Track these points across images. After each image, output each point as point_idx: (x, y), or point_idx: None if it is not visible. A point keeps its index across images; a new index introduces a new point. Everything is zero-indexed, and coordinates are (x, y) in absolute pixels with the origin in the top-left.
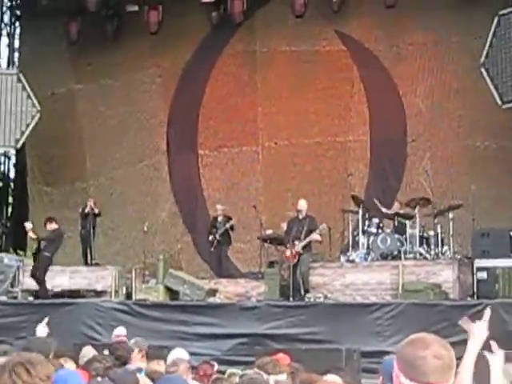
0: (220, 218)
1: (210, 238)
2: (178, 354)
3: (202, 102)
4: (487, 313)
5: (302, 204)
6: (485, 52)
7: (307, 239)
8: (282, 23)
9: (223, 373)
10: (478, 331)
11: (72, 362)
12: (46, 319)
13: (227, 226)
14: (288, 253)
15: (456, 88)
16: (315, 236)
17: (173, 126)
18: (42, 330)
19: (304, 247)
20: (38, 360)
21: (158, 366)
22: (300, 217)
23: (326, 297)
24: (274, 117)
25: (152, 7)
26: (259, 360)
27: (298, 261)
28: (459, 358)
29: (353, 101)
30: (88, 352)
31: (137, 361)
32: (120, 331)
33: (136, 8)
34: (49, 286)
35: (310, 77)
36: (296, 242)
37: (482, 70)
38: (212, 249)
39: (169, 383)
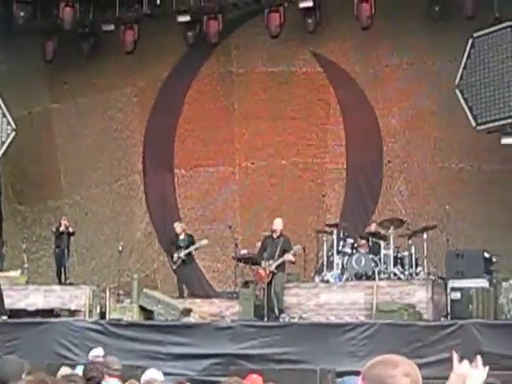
0: (182, 236)
1: (175, 256)
2: (152, 374)
3: (179, 122)
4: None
5: (277, 223)
6: (459, 74)
7: (280, 259)
8: (258, 44)
9: None
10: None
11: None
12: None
13: (193, 247)
14: (261, 272)
15: (432, 110)
16: (289, 257)
17: (149, 146)
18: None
19: (277, 267)
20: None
21: None
22: (274, 236)
23: (300, 317)
24: (250, 137)
25: (128, 27)
26: (226, 381)
27: (271, 280)
28: (434, 378)
29: (329, 122)
30: (65, 372)
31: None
32: (98, 352)
33: (112, 27)
34: (22, 304)
35: (287, 98)
36: (270, 262)
37: (457, 91)
38: (174, 266)
39: None
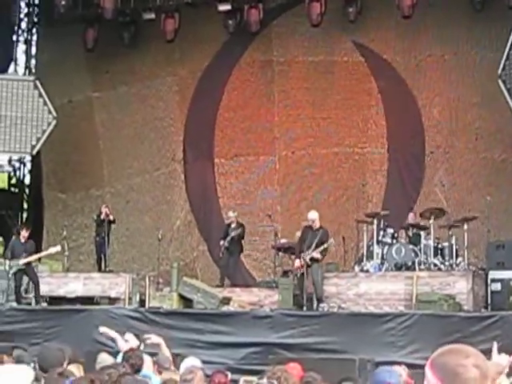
0: (233, 225)
1: (221, 243)
2: (191, 362)
3: (219, 111)
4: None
5: (311, 216)
6: (502, 64)
7: (312, 254)
8: (299, 33)
9: (236, 382)
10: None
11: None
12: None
13: (233, 233)
14: (297, 262)
15: (474, 100)
16: (316, 254)
17: (189, 135)
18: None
19: (311, 259)
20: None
21: (174, 374)
22: (314, 227)
23: (339, 306)
24: (291, 126)
25: (169, 15)
26: (269, 372)
27: (307, 271)
28: None
29: (371, 112)
30: (104, 359)
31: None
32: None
33: (153, 16)
34: (62, 292)
35: (328, 87)
36: (307, 252)
37: (500, 82)
38: (220, 254)
39: None
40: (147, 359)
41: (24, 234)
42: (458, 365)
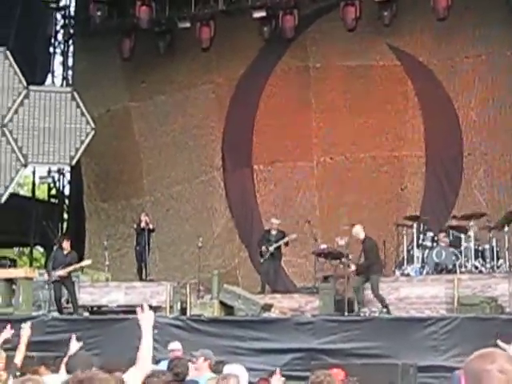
0: (274, 232)
1: (263, 249)
2: (234, 369)
3: (256, 118)
4: None
5: (356, 231)
6: None
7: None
8: (335, 38)
9: None
10: None
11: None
12: (74, 336)
13: (284, 240)
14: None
15: (510, 100)
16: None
17: (228, 142)
18: (74, 345)
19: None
20: (99, 377)
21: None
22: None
23: (381, 311)
24: (328, 132)
25: (204, 24)
26: (313, 376)
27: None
28: None
29: (408, 115)
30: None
31: (204, 369)
32: (175, 346)
33: (188, 24)
34: (104, 301)
35: (365, 91)
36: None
37: None
38: (262, 260)
39: None
40: (191, 367)
41: (65, 245)
42: (482, 370)
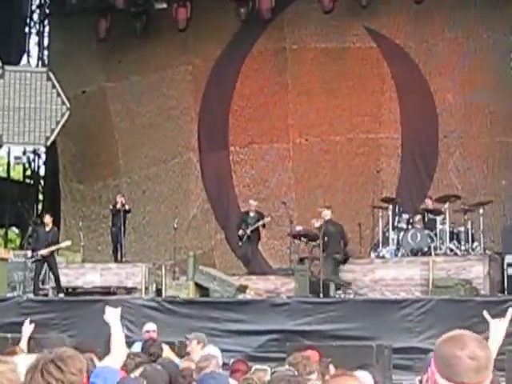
0: (252, 214)
1: (240, 232)
2: (210, 350)
3: (233, 99)
4: (509, 313)
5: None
6: None
7: None
8: (311, 20)
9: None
10: (496, 328)
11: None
12: (28, 320)
13: (260, 222)
14: None
15: (487, 84)
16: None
17: (204, 124)
18: (27, 328)
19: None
20: (67, 355)
21: (192, 363)
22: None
23: (356, 293)
24: (304, 114)
25: (180, 4)
26: (290, 357)
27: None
28: None
29: (384, 97)
30: None
31: (197, 352)
32: (150, 327)
33: (164, 5)
34: (79, 283)
35: (341, 73)
36: None
37: None
38: (240, 243)
39: (213, 380)
40: (165, 348)
41: (47, 220)
42: (453, 356)
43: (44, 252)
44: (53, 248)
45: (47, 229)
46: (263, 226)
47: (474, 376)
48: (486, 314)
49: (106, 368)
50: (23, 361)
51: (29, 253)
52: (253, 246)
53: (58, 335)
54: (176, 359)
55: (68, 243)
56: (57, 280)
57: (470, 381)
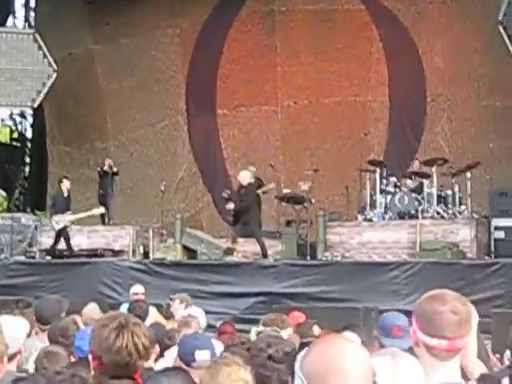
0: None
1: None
2: (193, 311)
3: (221, 62)
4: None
5: (243, 176)
6: (502, 10)
7: None
8: None
9: (242, 331)
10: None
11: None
12: None
13: (265, 188)
14: None
15: (476, 47)
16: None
17: (192, 86)
18: None
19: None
20: (137, 321)
21: (175, 323)
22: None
23: (343, 255)
24: (293, 76)
25: None
26: (265, 318)
27: None
28: (478, 316)
29: (372, 60)
30: (92, 309)
31: (180, 311)
32: (137, 289)
33: None
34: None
35: (329, 36)
36: None
37: (500, 28)
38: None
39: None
40: (152, 310)
41: (67, 185)
42: (434, 312)
43: (72, 218)
44: (82, 215)
45: (65, 195)
46: (263, 192)
47: (455, 329)
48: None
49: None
50: (9, 321)
51: (54, 220)
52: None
53: (56, 297)
54: (163, 321)
55: (101, 210)
56: (68, 244)
57: (453, 334)
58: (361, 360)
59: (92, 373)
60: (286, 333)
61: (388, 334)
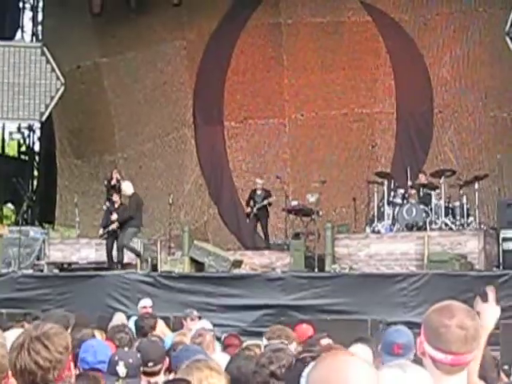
0: (259, 192)
1: (248, 209)
2: (203, 325)
3: (228, 75)
4: (490, 294)
5: (125, 187)
6: (509, 21)
7: None
8: None
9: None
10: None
11: (100, 332)
12: None
13: (265, 202)
14: None
15: (483, 58)
16: None
17: (199, 99)
18: None
19: None
20: (53, 332)
21: (184, 337)
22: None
23: (351, 268)
24: (300, 89)
25: None
26: (268, 333)
27: None
28: None
29: (379, 72)
30: (119, 319)
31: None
32: (146, 303)
33: None
34: (74, 258)
35: (336, 48)
36: None
37: (507, 39)
38: (248, 220)
39: (188, 353)
40: (160, 323)
41: (116, 199)
42: (441, 325)
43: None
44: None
45: (116, 206)
46: (269, 205)
47: (461, 346)
48: (489, 289)
49: (94, 342)
50: (16, 335)
51: (100, 231)
52: (262, 221)
53: (62, 312)
54: (170, 334)
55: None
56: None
57: (458, 350)
58: (366, 376)
59: None
60: (292, 347)
61: (389, 351)
